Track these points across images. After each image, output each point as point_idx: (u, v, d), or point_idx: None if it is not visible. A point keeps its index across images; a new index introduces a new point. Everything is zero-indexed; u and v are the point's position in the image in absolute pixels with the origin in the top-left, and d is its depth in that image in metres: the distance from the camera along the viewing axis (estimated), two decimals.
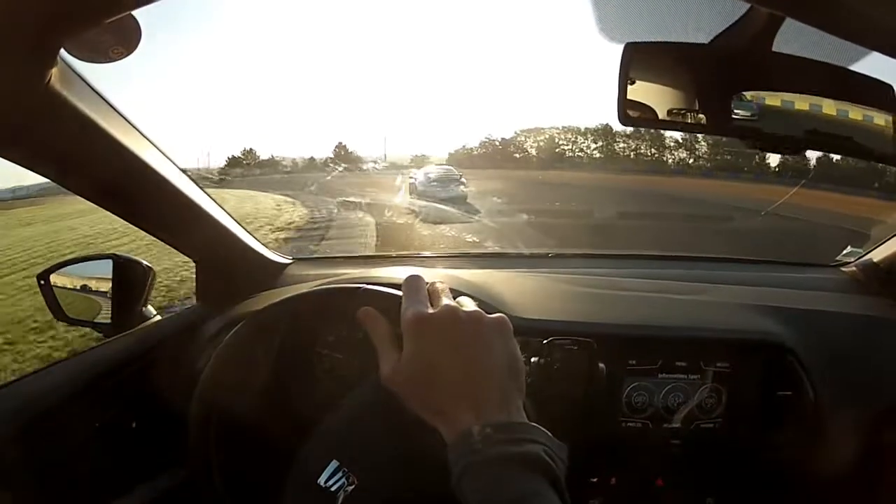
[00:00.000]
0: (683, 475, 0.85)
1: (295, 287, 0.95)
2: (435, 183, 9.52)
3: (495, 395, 0.44)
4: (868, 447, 0.83)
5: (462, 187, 9.64)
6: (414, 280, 0.51)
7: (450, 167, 11.74)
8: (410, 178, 10.53)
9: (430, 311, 0.47)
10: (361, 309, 0.52)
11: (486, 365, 0.45)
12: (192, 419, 0.67)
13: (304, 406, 0.76)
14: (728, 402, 0.82)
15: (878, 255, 1.06)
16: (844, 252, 1.17)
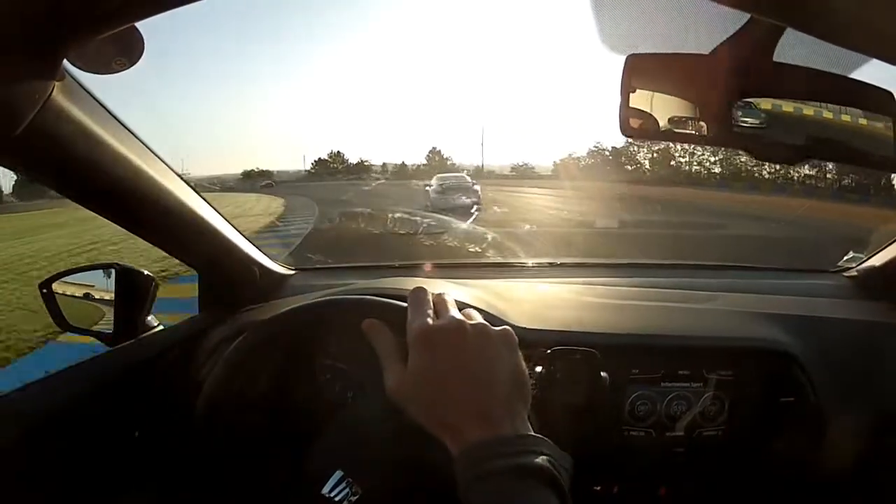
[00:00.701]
0: (686, 483, 0.85)
1: (298, 298, 0.95)
2: (447, 193, 9.41)
3: (501, 408, 0.44)
4: (871, 452, 0.83)
5: (475, 198, 9.46)
6: (419, 292, 0.51)
7: (463, 175, 11.62)
8: (426, 186, 10.44)
9: (436, 323, 0.47)
10: (366, 321, 0.52)
11: (492, 377, 0.45)
12: (196, 428, 0.67)
13: (308, 416, 0.75)
14: (731, 409, 0.82)
15: (879, 259, 1.06)
16: (846, 258, 1.17)
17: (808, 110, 0.51)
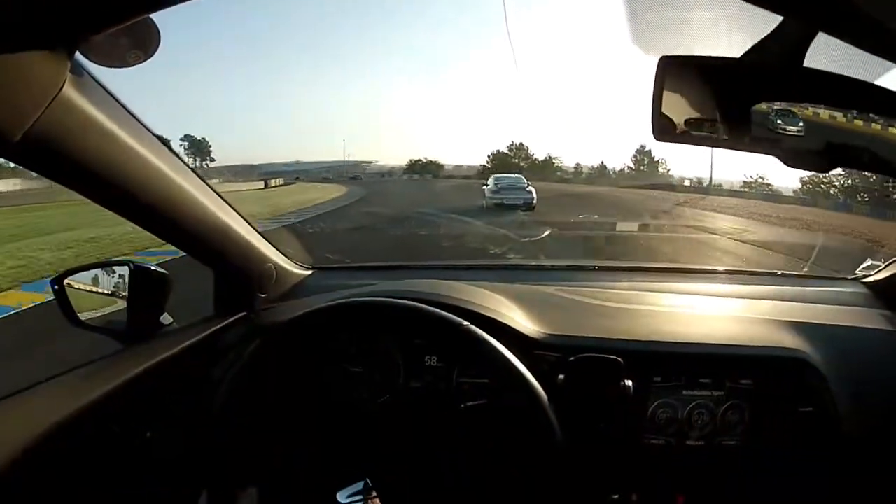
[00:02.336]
0: (705, 492, 0.84)
1: (315, 298, 0.95)
2: (501, 192, 9.79)
3: None
4: (891, 464, 0.82)
5: (528, 198, 9.66)
6: None
7: (520, 177, 11.89)
8: (484, 185, 10.87)
9: None
10: None
11: None
12: (210, 429, 0.67)
13: (322, 418, 0.75)
14: (750, 418, 0.81)
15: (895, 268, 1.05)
16: (864, 265, 1.16)
17: (839, 118, 0.50)
